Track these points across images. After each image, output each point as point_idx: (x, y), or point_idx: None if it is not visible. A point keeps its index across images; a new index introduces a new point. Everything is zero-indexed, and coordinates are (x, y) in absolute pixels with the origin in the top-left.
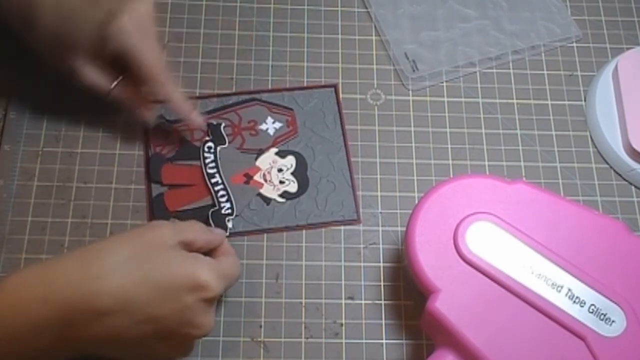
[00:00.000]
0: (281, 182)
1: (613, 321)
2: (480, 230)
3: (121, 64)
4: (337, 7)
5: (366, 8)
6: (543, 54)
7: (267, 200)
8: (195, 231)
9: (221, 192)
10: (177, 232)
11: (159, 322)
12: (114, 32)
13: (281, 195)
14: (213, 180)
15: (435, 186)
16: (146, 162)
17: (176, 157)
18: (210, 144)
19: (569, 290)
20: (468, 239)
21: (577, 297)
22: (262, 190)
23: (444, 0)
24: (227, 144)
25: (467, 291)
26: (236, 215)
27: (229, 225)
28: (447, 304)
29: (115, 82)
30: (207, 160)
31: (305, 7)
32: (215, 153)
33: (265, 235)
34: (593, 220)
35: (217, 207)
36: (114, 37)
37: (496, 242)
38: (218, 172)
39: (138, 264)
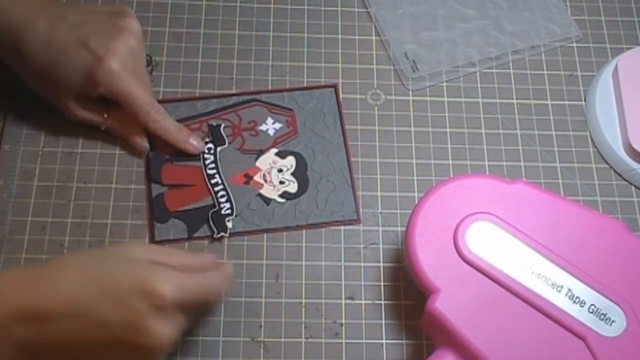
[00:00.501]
0: (281, 183)
1: (613, 321)
2: (480, 230)
3: (111, 99)
4: (337, 7)
5: (366, 8)
6: (543, 54)
7: (267, 200)
8: (169, 254)
9: (221, 193)
10: (148, 251)
11: (109, 327)
12: (102, 77)
13: (281, 196)
14: (213, 181)
15: (435, 186)
16: (146, 162)
17: (176, 157)
18: (210, 144)
19: (569, 290)
20: (468, 239)
21: (577, 297)
22: (262, 191)
23: (444, 0)
24: (227, 144)
25: (467, 291)
26: (236, 216)
27: (229, 225)
28: (447, 304)
29: (106, 116)
30: (207, 161)
31: (305, 7)
32: (215, 154)
33: (265, 235)
34: (593, 220)
35: (217, 208)
36: (103, 81)
37: (496, 242)
38: (218, 172)
39: (90, 266)
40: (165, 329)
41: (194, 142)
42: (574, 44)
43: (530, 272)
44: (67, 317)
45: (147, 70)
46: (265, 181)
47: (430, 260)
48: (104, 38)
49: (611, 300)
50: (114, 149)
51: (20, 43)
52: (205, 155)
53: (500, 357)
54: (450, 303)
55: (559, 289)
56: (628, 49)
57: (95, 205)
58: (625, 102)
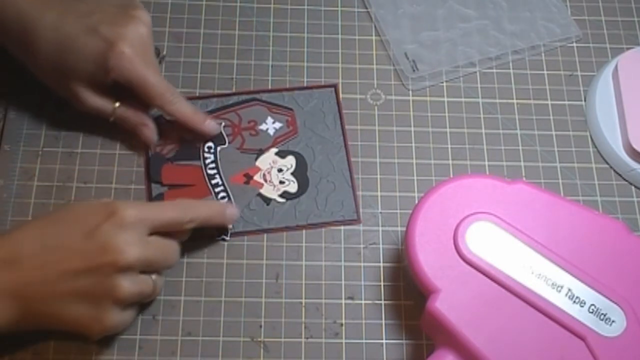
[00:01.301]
0: (281, 182)
1: (613, 321)
2: (480, 230)
3: (122, 87)
4: (337, 7)
5: (366, 8)
6: (543, 54)
7: (267, 200)
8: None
9: (221, 194)
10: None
11: (83, 254)
12: (115, 62)
13: (281, 196)
14: (213, 182)
15: (435, 186)
16: (146, 162)
17: (176, 157)
18: (210, 144)
19: (569, 290)
20: (468, 239)
21: (577, 297)
22: (262, 191)
23: (444, 0)
24: (227, 144)
25: (467, 291)
26: None
27: (229, 225)
28: (447, 304)
29: (117, 104)
30: (208, 161)
31: (305, 7)
32: (215, 153)
33: (265, 235)
34: (593, 220)
35: None
36: (115, 67)
37: (496, 242)
38: (218, 172)
39: (52, 215)
40: (128, 244)
41: (211, 123)
42: (574, 44)
43: (530, 272)
44: (40, 253)
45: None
46: (265, 181)
47: (430, 260)
48: (114, 25)
49: (611, 300)
50: (114, 149)
51: (29, 34)
52: (206, 155)
53: (500, 357)
54: (450, 303)
55: (559, 289)
56: (628, 49)
57: None
58: (625, 102)
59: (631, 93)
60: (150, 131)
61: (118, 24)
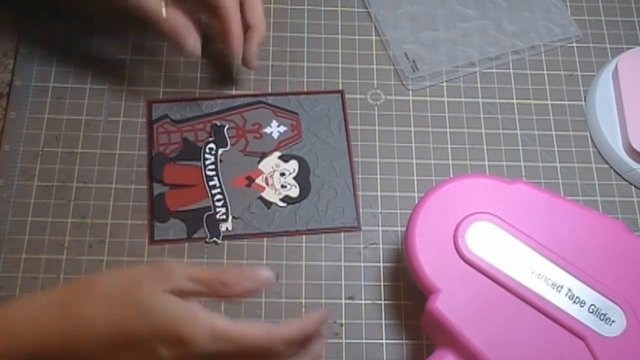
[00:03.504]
0: (283, 187)
1: (613, 321)
2: (480, 230)
3: None
4: (337, 7)
5: (366, 8)
6: (543, 54)
7: (268, 204)
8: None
9: (218, 197)
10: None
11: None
12: None
13: (282, 200)
14: (211, 183)
15: (435, 186)
16: (149, 161)
17: (179, 157)
18: (212, 145)
19: (569, 290)
20: (468, 239)
21: (577, 297)
22: (263, 194)
23: (444, 0)
24: (229, 146)
25: (467, 291)
26: (235, 218)
27: (222, 229)
28: (447, 304)
29: (164, 3)
30: (207, 162)
31: (305, 7)
32: (216, 155)
33: (265, 237)
34: (593, 220)
35: (212, 212)
36: None
37: (496, 242)
38: (217, 175)
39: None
40: None
41: (252, 57)
42: (574, 44)
43: (530, 272)
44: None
45: None
46: (267, 184)
47: (430, 260)
48: None
49: (611, 300)
50: (114, 149)
51: None
52: (206, 156)
53: (500, 357)
54: (450, 303)
55: (559, 289)
56: (628, 49)
57: (95, 205)
58: (625, 102)
59: (631, 93)
60: (194, 41)
61: None
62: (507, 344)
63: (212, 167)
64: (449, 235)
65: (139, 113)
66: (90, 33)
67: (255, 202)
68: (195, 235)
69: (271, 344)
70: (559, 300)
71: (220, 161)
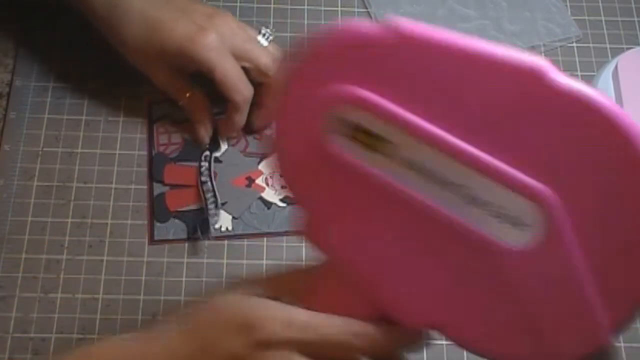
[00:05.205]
0: (283, 187)
1: (528, 226)
2: (349, 117)
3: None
4: (337, 7)
5: (366, 8)
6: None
7: (268, 204)
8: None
9: (211, 199)
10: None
11: None
12: (200, 48)
13: (282, 200)
14: (205, 187)
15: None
16: (149, 161)
17: (179, 157)
18: (207, 152)
19: (468, 189)
20: (334, 134)
21: (479, 198)
22: (263, 194)
23: (444, 0)
24: (221, 151)
25: (341, 206)
26: (235, 218)
27: (214, 226)
28: (318, 227)
29: (188, 95)
30: (202, 168)
31: (305, 7)
32: (209, 160)
33: (265, 238)
34: (499, 70)
35: (204, 215)
36: (200, 53)
37: (369, 132)
38: (210, 179)
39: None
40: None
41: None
42: (574, 44)
43: (418, 171)
44: None
45: (262, 39)
46: (267, 185)
47: (296, 171)
48: (206, 15)
49: (525, 197)
50: (114, 149)
51: (117, 17)
52: (202, 158)
53: (388, 280)
54: (322, 225)
55: (456, 189)
56: (628, 49)
57: (95, 205)
58: (625, 102)
59: (631, 93)
60: (204, 132)
61: (210, 15)
62: (393, 263)
63: (207, 172)
64: (316, 132)
65: (139, 113)
66: (91, 33)
67: (255, 202)
68: (195, 235)
69: (351, 338)
70: (455, 204)
71: (220, 161)
